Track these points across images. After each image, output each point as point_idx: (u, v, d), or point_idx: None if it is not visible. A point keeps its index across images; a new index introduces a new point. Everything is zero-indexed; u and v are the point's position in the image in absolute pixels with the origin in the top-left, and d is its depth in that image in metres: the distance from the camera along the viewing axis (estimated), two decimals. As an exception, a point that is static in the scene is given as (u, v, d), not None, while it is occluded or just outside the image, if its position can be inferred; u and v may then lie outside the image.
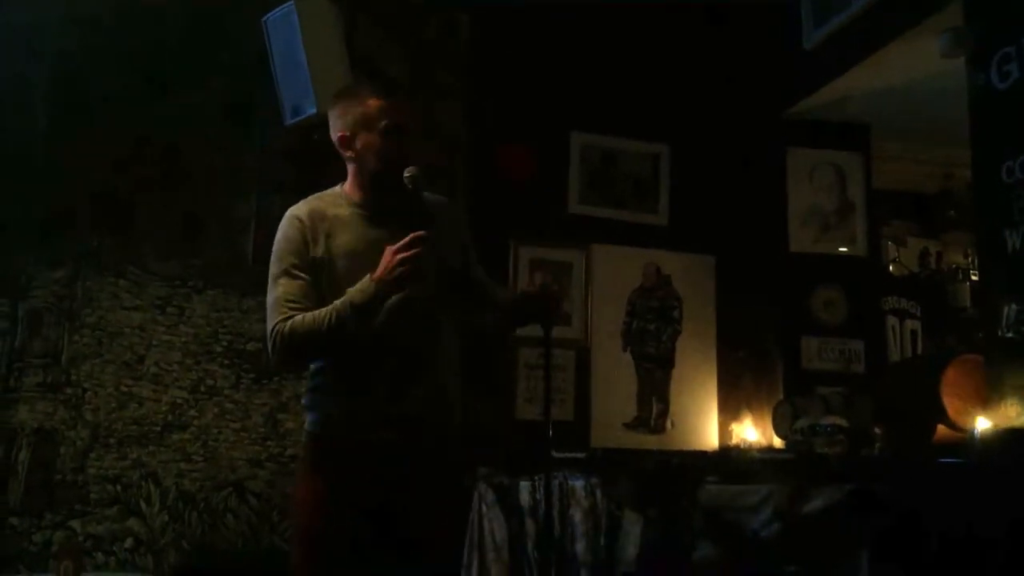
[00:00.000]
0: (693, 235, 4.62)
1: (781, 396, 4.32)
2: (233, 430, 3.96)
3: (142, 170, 3.99)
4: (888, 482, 2.88)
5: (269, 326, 2.28)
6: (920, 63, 3.84)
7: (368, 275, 2.20)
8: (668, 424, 4.50)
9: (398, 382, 2.29)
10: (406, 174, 2.28)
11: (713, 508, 3.20)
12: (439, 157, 4.29)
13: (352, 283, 2.23)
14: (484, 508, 3.59)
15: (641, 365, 4.53)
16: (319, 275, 2.31)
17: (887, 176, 4.85)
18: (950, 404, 3.41)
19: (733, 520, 3.13)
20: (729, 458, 4.10)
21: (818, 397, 3.99)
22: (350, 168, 2.44)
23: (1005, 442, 2.84)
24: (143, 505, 3.81)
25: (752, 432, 4.42)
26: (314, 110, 3.63)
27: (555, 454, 3.60)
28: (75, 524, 3.71)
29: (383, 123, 2.33)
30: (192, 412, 3.92)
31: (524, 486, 3.62)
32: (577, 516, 3.58)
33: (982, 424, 2.99)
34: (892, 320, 4.70)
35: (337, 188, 2.45)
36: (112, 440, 3.81)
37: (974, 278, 4.68)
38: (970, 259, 4.82)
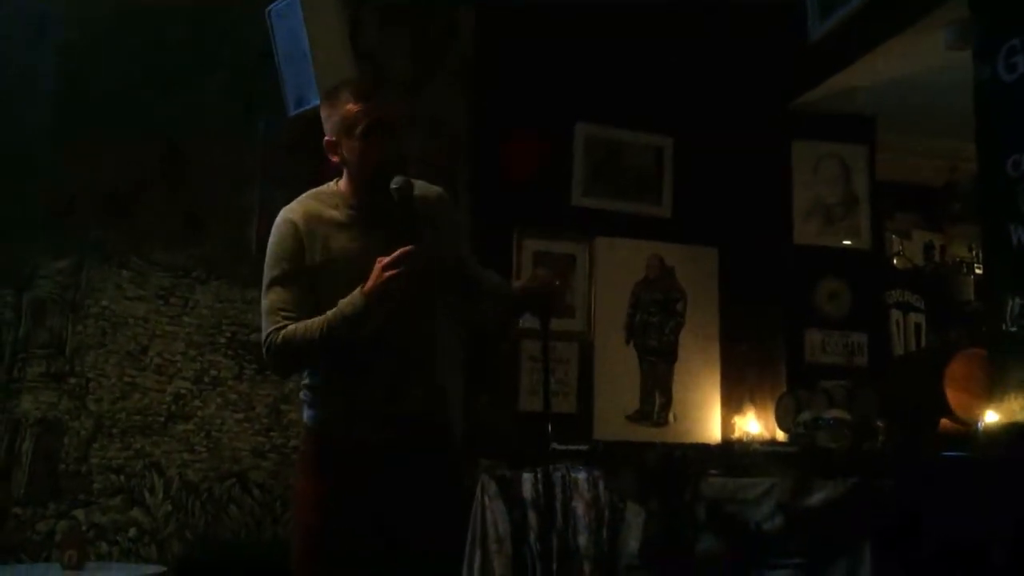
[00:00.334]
0: (697, 227, 4.62)
1: (784, 389, 4.32)
2: (236, 421, 3.96)
3: (146, 161, 3.99)
4: (891, 476, 2.88)
5: (263, 333, 2.27)
6: (926, 56, 3.84)
7: (359, 287, 2.18)
8: (671, 417, 4.51)
9: (396, 382, 2.28)
10: (393, 185, 2.24)
11: (716, 501, 3.20)
12: (442, 150, 4.28)
13: (348, 286, 2.20)
14: (486, 500, 3.59)
15: (644, 358, 4.53)
16: (314, 279, 2.29)
17: (892, 169, 4.84)
18: (954, 398, 3.41)
19: (736, 513, 3.14)
20: (732, 451, 4.10)
21: (821, 390, 3.99)
22: (344, 168, 2.43)
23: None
24: (147, 495, 3.82)
25: (755, 425, 4.42)
26: (317, 101, 3.62)
27: (558, 446, 3.63)
28: (79, 514, 3.72)
29: (360, 128, 2.30)
30: (195, 403, 3.93)
31: (527, 478, 3.61)
32: (580, 508, 3.59)
33: (986, 418, 2.99)
34: (896, 313, 4.69)
35: (333, 185, 2.42)
36: (116, 430, 3.81)
37: (978, 272, 4.67)
38: (974, 252, 4.81)
